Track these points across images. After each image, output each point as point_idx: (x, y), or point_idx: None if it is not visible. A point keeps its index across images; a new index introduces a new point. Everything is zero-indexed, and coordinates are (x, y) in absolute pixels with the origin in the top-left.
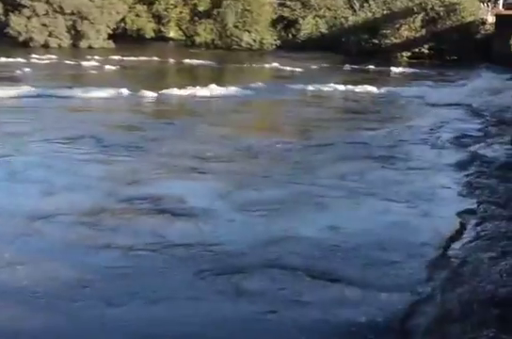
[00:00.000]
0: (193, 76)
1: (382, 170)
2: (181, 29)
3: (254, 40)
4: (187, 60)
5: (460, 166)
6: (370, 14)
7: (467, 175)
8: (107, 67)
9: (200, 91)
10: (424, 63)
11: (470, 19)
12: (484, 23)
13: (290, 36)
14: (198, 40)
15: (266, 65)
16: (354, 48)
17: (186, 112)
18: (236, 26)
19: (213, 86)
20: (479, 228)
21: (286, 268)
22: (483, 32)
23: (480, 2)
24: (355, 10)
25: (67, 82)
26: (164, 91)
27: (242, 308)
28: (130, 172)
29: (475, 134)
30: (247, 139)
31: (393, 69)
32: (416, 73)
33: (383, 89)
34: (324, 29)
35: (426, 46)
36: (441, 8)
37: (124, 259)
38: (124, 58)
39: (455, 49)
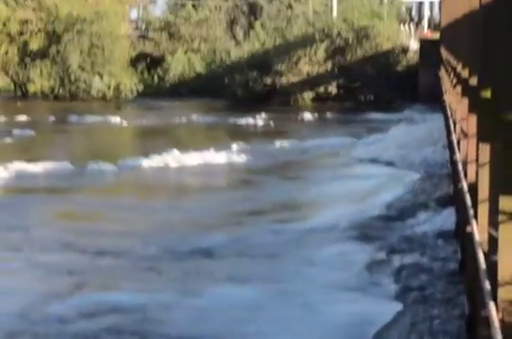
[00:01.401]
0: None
1: None
2: (8, 75)
3: (108, 87)
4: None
5: None
6: (258, 45)
7: None
8: None
9: None
10: (331, 107)
11: (387, 46)
12: (405, 51)
13: (156, 78)
14: (31, 88)
15: (116, 120)
16: (241, 91)
17: None
18: (83, 69)
19: None
20: None
21: None
22: (405, 63)
23: (400, 23)
24: (238, 41)
25: None
26: None
27: None
28: None
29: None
30: None
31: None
32: (320, 124)
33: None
34: (200, 68)
35: (334, 84)
36: (350, 34)
37: None
38: None
39: (370, 86)
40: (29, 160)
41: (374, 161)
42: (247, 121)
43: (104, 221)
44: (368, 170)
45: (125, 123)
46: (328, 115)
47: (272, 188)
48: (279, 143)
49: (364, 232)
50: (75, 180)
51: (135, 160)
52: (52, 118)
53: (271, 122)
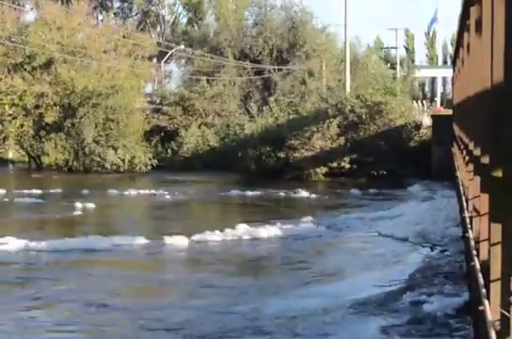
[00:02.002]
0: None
1: None
2: (23, 148)
3: (122, 160)
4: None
5: None
6: (272, 120)
7: None
8: None
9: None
10: (344, 183)
11: (400, 122)
12: (418, 126)
13: (170, 152)
14: (46, 161)
15: (145, 192)
16: (254, 165)
17: None
18: (97, 142)
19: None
20: None
21: None
22: (417, 138)
23: (413, 100)
24: (252, 116)
25: None
26: None
27: None
28: None
29: None
30: None
31: (304, 193)
32: (335, 197)
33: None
34: (214, 142)
35: (347, 159)
36: (363, 110)
37: None
38: None
39: (383, 161)
40: (101, 233)
41: (388, 236)
42: (287, 194)
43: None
44: (381, 245)
45: (168, 197)
46: (340, 190)
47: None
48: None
49: (374, 307)
50: (153, 254)
51: (207, 233)
52: (85, 191)
53: (313, 196)
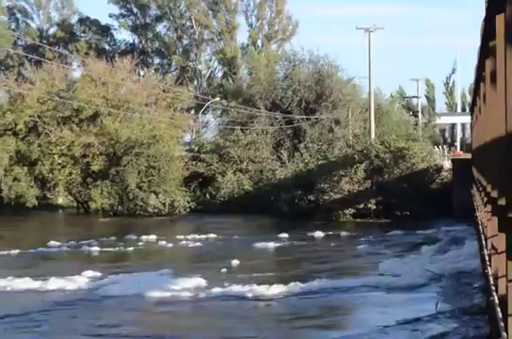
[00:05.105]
0: None
1: None
2: (71, 194)
3: (163, 204)
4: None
5: None
6: (302, 165)
7: None
8: None
9: None
10: (370, 224)
11: (422, 166)
12: (439, 169)
13: (207, 196)
14: (93, 206)
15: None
16: (286, 207)
17: None
18: (140, 188)
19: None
20: None
21: None
22: (439, 181)
23: (434, 145)
24: (284, 162)
25: None
26: None
27: None
28: None
29: None
30: None
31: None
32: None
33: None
34: (248, 186)
35: (373, 201)
36: (388, 155)
37: None
38: None
39: (406, 203)
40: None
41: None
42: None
43: None
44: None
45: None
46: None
47: None
48: None
49: None
50: None
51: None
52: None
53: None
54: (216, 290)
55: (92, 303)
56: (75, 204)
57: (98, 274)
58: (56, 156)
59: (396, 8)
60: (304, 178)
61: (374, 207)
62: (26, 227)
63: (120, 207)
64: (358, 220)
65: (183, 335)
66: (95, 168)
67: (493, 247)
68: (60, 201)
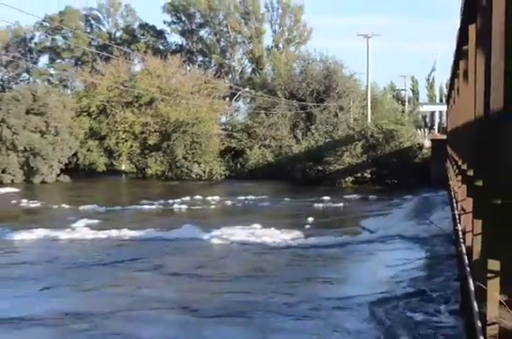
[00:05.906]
0: None
1: None
2: (132, 162)
3: (204, 171)
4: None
5: None
6: (313, 143)
7: None
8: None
9: None
10: (366, 188)
11: (407, 144)
12: (421, 147)
13: (238, 165)
14: (149, 172)
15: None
16: (299, 175)
17: None
18: (186, 158)
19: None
20: None
21: None
22: (420, 156)
23: (417, 128)
24: (298, 140)
25: None
26: None
27: None
28: None
29: None
30: None
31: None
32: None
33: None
34: (270, 158)
35: (368, 171)
36: (380, 135)
37: None
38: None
39: (394, 173)
40: None
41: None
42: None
43: None
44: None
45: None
46: (366, 194)
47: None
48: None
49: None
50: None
51: None
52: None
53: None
54: (311, 240)
55: (212, 249)
56: (135, 170)
57: (198, 228)
58: (120, 132)
59: (394, 18)
60: (314, 152)
61: (369, 176)
62: (103, 187)
63: (169, 173)
64: (356, 186)
65: (279, 274)
66: (151, 142)
67: (462, 208)
68: (123, 167)
